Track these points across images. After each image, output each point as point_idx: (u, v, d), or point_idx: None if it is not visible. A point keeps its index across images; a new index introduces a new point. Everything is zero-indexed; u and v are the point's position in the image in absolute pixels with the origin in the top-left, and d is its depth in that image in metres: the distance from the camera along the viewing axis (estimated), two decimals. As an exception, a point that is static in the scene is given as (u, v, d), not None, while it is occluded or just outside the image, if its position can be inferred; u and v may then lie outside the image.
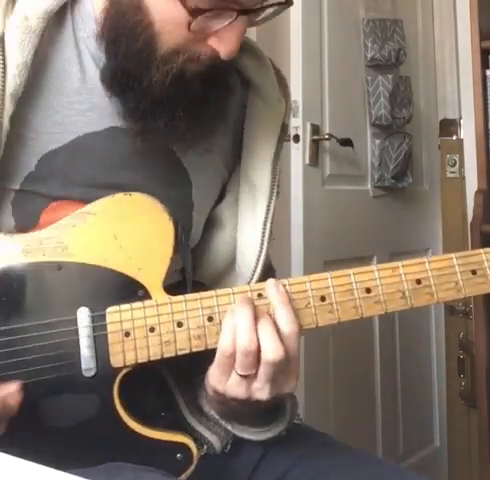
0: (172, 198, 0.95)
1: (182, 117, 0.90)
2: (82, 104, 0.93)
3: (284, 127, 1.05)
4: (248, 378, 0.82)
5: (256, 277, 0.98)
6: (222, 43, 0.87)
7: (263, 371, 0.82)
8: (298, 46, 2.25)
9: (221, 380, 0.84)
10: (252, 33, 2.08)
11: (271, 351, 0.81)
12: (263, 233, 1.00)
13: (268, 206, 1.01)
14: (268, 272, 1.06)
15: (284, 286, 0.86)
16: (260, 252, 1.00)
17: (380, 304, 0.86)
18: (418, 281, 0.87)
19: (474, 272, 0.88)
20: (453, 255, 0.88)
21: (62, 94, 0.92)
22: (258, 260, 0.99)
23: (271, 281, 0.86)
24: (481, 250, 0.89)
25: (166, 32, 0.87)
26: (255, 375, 0.82)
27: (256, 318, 0.82)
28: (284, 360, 0.82)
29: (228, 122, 1.03)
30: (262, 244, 1.00)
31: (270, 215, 1.01)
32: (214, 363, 0.84)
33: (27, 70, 0.88)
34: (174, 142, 0.95)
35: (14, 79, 0.87)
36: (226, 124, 1.02)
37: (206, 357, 0.98)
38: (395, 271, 0.87)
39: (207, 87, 0.92)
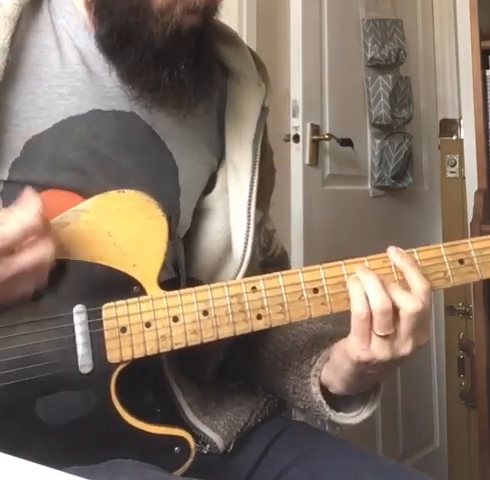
0: (159, 183, 0.97)
1: (185, 71, 0.92)
2: (63, 88, 0.94)
3: (264, 109, 1.06)
4: (389, 338, 0.84)
5: (246, 259, 0.99)
6: None
7: (405, 325, 0.84)
8: (298, 46, 2.26)
9: (364, 347, 0.84)
10: (252, 32, 2.09)
11: (410, 304, 0.83)
12: (249, 215, 1.01)
13: (251, 187, 1.01)
14: (282, 257, 1.06)
15: (411, 253, 0.88)
16: (247, 233, 1.00)
17: None
18: None
19: (461, 261, 0.89)
20: (441, 245, 0.89)
21: (43, 79, 0.94)
22: (246, 242, 1.00)
23: (392, 248, 0.89)
24: (468, 240, 0.90)
25: None
26: (395, 333, 0.84)
27: (382, 282, 0.85)
28: (422, 312, 0.84)
29: (211, 110, 1.04)
30: (249, 225, 1.00)
31: (254, 196, 1.01)
32: (351, 333, 0.85)
33: (5, 55, 0.89)
34: (173, 101, 0.96)
35: None
36: (209, 110, 1.04)
37: (212, 358, 0.98)
38: (385, 262, 0.88)
39: (201, 47, 0.94)
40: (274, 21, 2.24)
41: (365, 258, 0.88)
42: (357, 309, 0.84)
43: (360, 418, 0.96)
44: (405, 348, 0.85)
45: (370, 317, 0.83)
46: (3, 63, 0.89)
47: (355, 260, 0.88)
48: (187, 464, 0.87)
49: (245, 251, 1.00)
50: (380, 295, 0.83)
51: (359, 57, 2.56)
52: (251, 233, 1.00)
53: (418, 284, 0.85)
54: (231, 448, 0.97)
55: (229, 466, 0.98)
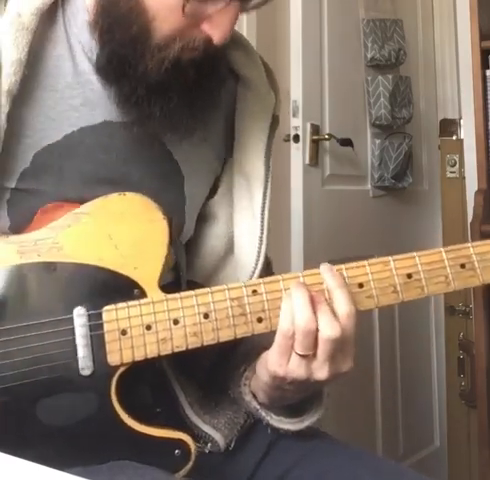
0: (166, 192, 0.97)
1: (177, 104, 0.91)
2: (75, 99, 0.93)
3: (275, 118, 1.06)
4: (307, 358, 0.83)
5: (260, 266, 1.00)
6: (215, 28, 0.88)
7: (322, 349, 0.83)
8: (298, 46, 2.25)
9: (282, 363, 0.85)
10: (252, 32, 2.09)
11: (328, 328, 0.83)
12: (262, 222, 1.01)
13: (264, 195, 1.02)
14: (267, 264, 1.06)
15: (339, 270, 0.87)
16: (261, 241, 1.01)
17: (372, 298, 0.87)
18: (409, 275, 0.88)
19: (463, 266, 0.89)
20: (442, 249, 0.89)
21: (56, 90, 0.93)
22: (260, 249, 1.01)
23: (325, 266, 0.87)
24: (469, 244, 0.90)
25: (160, 18, 0.88)
26: (314, 355, 0.83)
27: (312, 300, 0.84)
28: (340, 338, 0.83)
29: (218, 115, 1.04)
30: (262, 233, 1.01)
31: (267, 204, 1.02)
32: (273, 346, 0.85)
33: (22, 67, 0.88)
34: (167, 132, 0.96)
35: (9, 77, 0.87)
36: (216, 117, 1.03)
37: (210, 357, 0.98)
38: (386, 266, 0.88)
39: (201, 76, 0.92)
40: (274, 21, 2.24)
41: (366, 262, 0.88)
42: (282, 326, 0.84)
43: (302, 425, 0.96)
44: (322, 372, 0.84)
45: (294, 335, 0.83)
46: (20, 76, 0.88)
47: (355, 264, 0.88)
48: (187, 467, 0.87)
49: (258, 261, 1.01)
50: (305, 314, 0.83)
51: (359, 57, 2.55)
52: (264, 245, 1.01)
53: (342, 306, 0.84)
54: (232, 446, 0.97)
55: (231, 466, 0.98)
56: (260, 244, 1.01)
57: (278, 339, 0.84)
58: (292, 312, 0.83)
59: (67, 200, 0.91)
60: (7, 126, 0.88)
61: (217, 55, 0.93)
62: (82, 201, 0.89)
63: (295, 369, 0.84)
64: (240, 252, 1.02)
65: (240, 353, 0.98)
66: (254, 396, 0.95)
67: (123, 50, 0.90)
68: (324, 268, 0.87)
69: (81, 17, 0.95)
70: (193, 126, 0.96)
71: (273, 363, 0.85)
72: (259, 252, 1.01)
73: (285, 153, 2.23)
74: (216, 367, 1.02)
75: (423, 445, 2.81)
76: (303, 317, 0.83)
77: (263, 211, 1.01)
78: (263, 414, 0.95)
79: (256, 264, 1.00)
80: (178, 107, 0.92)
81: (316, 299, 0.84)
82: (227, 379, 1.00)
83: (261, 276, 0.93)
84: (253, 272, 1.00)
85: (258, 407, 0.95)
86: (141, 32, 0.88)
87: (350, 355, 0.86)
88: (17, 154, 0.90)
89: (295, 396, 0.91)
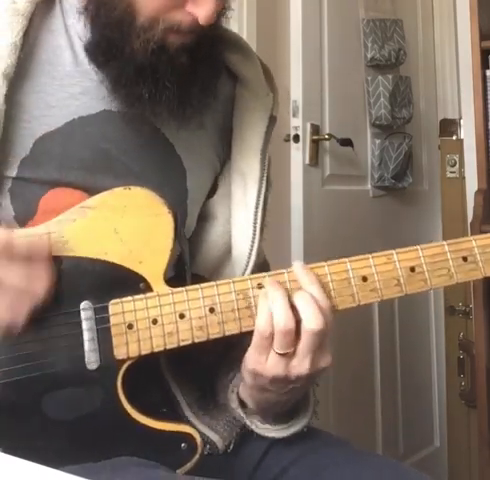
0: (168, 185, 0.97)
1: (169, 88, 0.92)
2: (74, 87, 0.95)
3: (272, 119, 1.06)
4: (286, 356, 0.83)
5: (251, 264, 1.00)
6: (199, 6, 0.89)
7: (304, 343, 0.83)
8: (298, 46, 2.26)
9: (260, 361, 0.85)
10: (252, 32, 2.09)
11: (313, 321, 0.82)
12: (255, 221, 1.01)
13: (258, 194, 1.02)
14: (263, 265, 1.06)
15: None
16: (253, 239, 1.01)
17: (376, 291, 0.88)
18: (412, 268, 0.89)
19: (465, 259, 0.89)
20: (445, 242, 0.90)
21: (54, 78, 0.95)
22: (252, 248, 1.01)
23: (298, 263, 0.87)
24: (471, 237, 0.90)
25: None
26: (293, 352, 0.83)
27: (290, 296, 0.84)
28: (324, 330, 0.83)
29: (216, 108, 1.04)
30: (254, 231, 1.01)
31: (261, 203, 1.02)
32: (252, 346, 0.85)
33: (17, 50, 0.91)
34: (160, 116, 0.96)
35: (5, 59, 0.90)
36: (214, 108, 1.04)
37: (211, 359, 0.99)
38: (390, 259, 0.88)
39: (195, 63, 0.93)
40: (274, 21, 2.24)
41: (370, 255, 0.88)
42: (260, 326, 0.83)
43: (287, 432, 0.96)
44: (301, 367, 0.84)
45: (272, 335, 0.83)
46: (15, 59, 0.90)
47: (359, 257, 0.88)
48: (194, 460, 0.87)
49: (249, 258, 1.01)
50: (284, 314, 0.82)
51: (359, 57, 2.56)
52: (256, 242, 1.01)
53: (324, 301, 0.84)
54: (231, 448, 0.97)
55: (231, 466, 0.98)
56: (252, 244, 1.01)
57: (256, 339, 0.84)
58: (269, 311, 0.83)
59: (68, 187, 0.92)
60: (6, 109, 0.89)
61: (209, 41, 0.94)
62: (83, 189, 0.90)
63: (273, 367, 0.84)
64: (236, 251, 1.03)
65: (230, 359, 0.98)
66: (241, 403, 0.95)
67: (110, 32, 0.91)
68: (297, 265, 0.87)
69: (76, 8, 0.97)
70: (189, 113, 0.96)
71: (252, 361, 0.85)
72: (250, 252, 1.01)
73: (285, 153, 2.24)
74: (211, 370, 1.02)
75: (423, 445, 2.81)
76: (282, 317, 0.82)
77: (256, 211, 1.02)
78: (248, 422, 0.95)
79: (247, 263, 1.00)
80: (169, 91, 0.92)
81: (296, 292, 0.84)
82: (217, 385, 1.00)
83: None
84: (243, 272, 1.00)
85: (243, 415, 0.95)
86: (125, 14, 0.90)
87: (329, 350, 0.86)
88: (17, 141, 0.91)
89: (279, 399, 0.90)
